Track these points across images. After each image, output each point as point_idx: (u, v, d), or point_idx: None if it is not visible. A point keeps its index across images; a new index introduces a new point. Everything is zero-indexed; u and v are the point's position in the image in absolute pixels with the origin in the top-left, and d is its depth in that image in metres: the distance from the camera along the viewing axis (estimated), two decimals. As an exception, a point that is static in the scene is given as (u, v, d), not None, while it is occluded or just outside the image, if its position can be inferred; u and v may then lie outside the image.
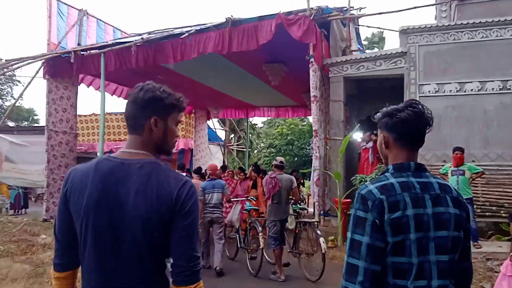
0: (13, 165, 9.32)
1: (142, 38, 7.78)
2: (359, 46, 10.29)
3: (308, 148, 39.97)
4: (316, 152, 7.21)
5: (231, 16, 7.29)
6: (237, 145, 22.91)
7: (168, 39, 7.81)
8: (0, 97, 36.85)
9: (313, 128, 7.27)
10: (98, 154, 8.06)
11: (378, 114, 1.60)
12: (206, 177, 7.33)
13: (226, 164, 19.51)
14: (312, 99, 6.91)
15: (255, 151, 42.35)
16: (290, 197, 6.19)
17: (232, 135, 28.99)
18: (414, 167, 1.51)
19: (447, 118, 7.19)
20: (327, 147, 7.68)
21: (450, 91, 7.21)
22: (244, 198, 7.45)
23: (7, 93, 37.22)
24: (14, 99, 27.50)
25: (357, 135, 7.49)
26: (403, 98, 7.80)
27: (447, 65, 7.27)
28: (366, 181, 5.73)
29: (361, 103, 9.42)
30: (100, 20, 10.55)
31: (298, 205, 6.80)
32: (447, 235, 1.43)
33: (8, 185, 10.61)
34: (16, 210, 12.35)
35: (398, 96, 8.26)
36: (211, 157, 17.46)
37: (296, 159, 41.74)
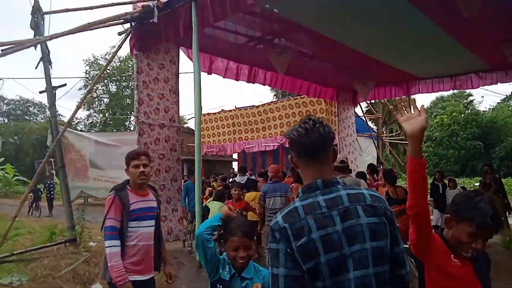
0: (101, 172, 7.37)
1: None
2: None
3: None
4: None
5: None
6: (394, 136, 18.63)
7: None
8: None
9: None
10: (196, 154, 5.38)
11: None
12: (268, 180, 6.73)
13: (382, 161, 15.63)
14: None
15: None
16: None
17: (383, 128, 24.67)
18: (322, 185, 1.49)
19: None
20: None
21: None
22: None
23: None
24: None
25: None
26: None
27: None
28: None
29: None
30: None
31: None
32: (363, 248, 1.39)
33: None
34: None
35: None
36: (361, 152, 13.84)
37: (462, 152, 35.28)
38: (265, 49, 7.71)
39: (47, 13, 5.28)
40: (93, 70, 39.52)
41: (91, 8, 5.49)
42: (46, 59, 6.06)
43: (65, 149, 6.91)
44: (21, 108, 55.99)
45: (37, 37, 5.64)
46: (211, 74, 8.49)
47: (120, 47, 6.28)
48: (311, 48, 7.99)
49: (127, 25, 6.15)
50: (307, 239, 1.36)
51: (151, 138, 6.72)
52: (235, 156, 19.58)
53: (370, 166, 9.95)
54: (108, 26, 5.87)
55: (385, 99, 14.10)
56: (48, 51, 6.07)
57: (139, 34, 6.49)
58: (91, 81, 40.21)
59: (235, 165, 20.63)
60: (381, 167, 13.86)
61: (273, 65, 7.82)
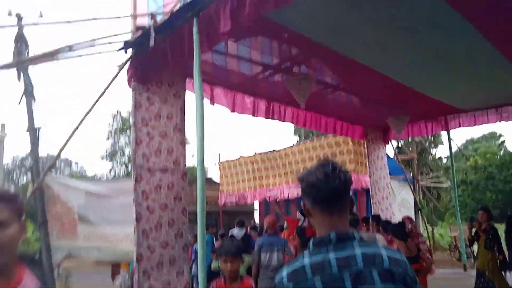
0: (92, 228, 6.17)
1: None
2: None
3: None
4: None
5: None
6: (426, 179, 17.04)
7: None
8: None
9: None
10: (198, 202, 4.21)
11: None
12: (264, 232, 6.24)
13: (420, 207, 14.06)
14: None
15: (442, 190, 35.02)
16: None
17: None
18: (336, 239, 1.37)
19: None
20: None
21: None
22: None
23: None
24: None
25: None
26: None
27: None
28: None
29: None
30: None
31: None
32: None
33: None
34: (136, 288, 9.66)
35: None
36: (394, 198, 12.37)
37: (500, 196, 33.22)
38: (283, 78, 6.74)
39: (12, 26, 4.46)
40: (115, 122, 39.99)
41: (68, 22, 4.66)
42: (28, 94, 5.23)
43: (49, 200, 5.87)
44: (47, 164, 56.84)
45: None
46: (234, 111, 7.56)
47: (115, 78, 5.37)
48: (336, 75, 6.96)
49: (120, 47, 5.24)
50: None
51: (151, 185, 5.59)
52: (256, 205, 18.31)
53: (375, 218, 8.47)
54: (99, 53, 5.01)
55: (419, 137, 12.81)
56: (32, 85, 5.25)
57: (137, 63, 5.59)
58: (114, 133, 40.59)
59: (256, 215, 19.27)
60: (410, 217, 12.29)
61: (293, 98, 6.80)
